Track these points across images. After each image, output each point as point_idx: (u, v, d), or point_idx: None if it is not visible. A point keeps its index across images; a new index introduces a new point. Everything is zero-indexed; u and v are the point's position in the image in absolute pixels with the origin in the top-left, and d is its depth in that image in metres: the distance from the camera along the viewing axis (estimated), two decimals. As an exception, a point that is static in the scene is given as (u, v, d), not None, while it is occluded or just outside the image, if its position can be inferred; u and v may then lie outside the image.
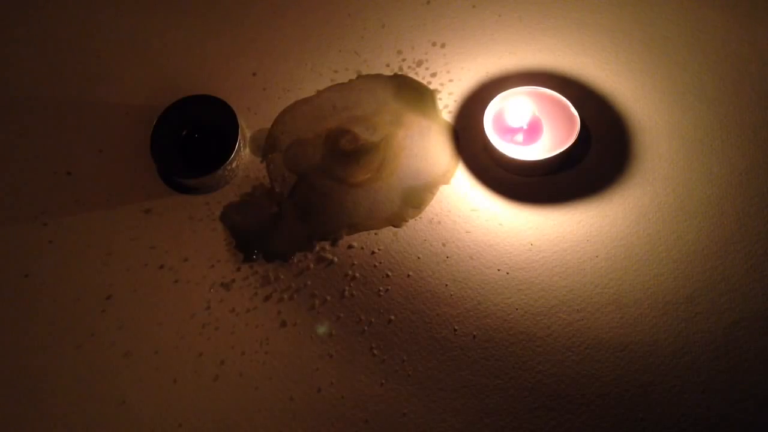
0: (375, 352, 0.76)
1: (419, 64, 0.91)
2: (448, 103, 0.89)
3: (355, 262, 0.80)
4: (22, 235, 0.84)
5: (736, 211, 0.79)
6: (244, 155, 0.87)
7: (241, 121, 0.87)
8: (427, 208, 0.83)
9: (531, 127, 0.83)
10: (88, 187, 0.86)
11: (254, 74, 0.92)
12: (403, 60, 0.91)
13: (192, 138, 0.87)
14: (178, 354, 0.77)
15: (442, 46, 0.92)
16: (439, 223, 0.82)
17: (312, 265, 0.80)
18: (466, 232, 0.81)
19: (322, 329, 0.77)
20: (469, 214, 0.82)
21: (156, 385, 0.75)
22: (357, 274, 0.80)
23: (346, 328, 0.77)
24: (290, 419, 0.73)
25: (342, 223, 0.82)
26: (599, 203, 0.81)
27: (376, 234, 0.82)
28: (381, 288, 0.79)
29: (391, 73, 0.91)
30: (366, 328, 0.77)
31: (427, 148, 0.86)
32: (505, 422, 0.71)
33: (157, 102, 0.89)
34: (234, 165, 0.84)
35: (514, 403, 0.72)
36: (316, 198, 0.84)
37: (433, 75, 0.90)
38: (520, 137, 0.83)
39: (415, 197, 0.83)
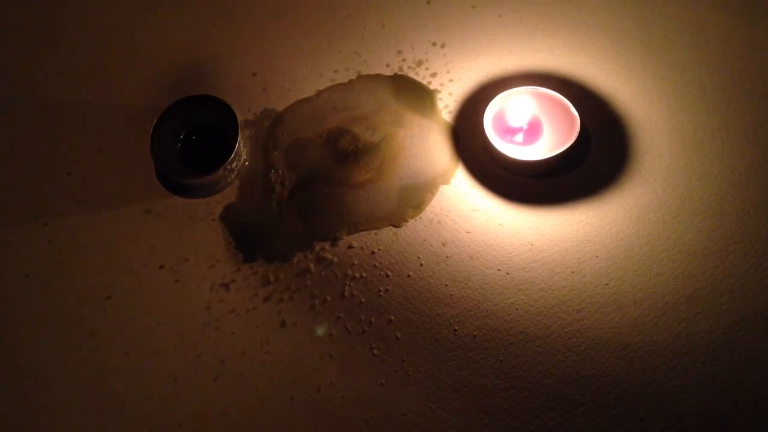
0: (375, 352, 0.76)
1: (419, 64, 0.91)
2: (448, 103, 0.89)
3: (355, 262, 0.80)
4: (22, 235, 0.84)
5: (736, 211, 0.79)
6: (244, 155, 0.87)
7: (241, 121, 0.87)
8: (427, 208, 0.83)
9: (531, 127, 0.83)
10: (88, 187, 0.86)
11: (254, 74, 0.92)
12: (403, 60, 0.91)
13: (192, 138, 0.87)
14: (178, 354, 0.77)
15: (442, 46, 0.92)
16: (439, 223, 0.82)
17: (312, 265, 0.80)
18: (466, 232, 0.81)
19: (321, 329, 0.77)
20: (469, 214, 0.82)
21: (156, 385, 0.75)
22: (357, 274, 0.80)
23: (346, 328, 0.77)
24: (290, 419, 0.73)
25: (342, 223, 0.82)
26: (599, 203, 0.81)
27: (376, 234, 0.82)
28: (381, 288, 0.79)
29: (391, 73, 0.91)
30: (366, 328, 0.77)
31: (427, 148, 0.86)
32: (505, 422, 0.71)
33: (157, 102, 0.89)
34: (234, 165, 0.84)
35: (514, 403, 0.72)
36: (316, 198, 0.84)
37: (433, 75, 0.90)
38: (520, 137, 0.83)
39: (415, 197, 0.83)
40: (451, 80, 0.90)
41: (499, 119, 0.83)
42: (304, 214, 0.83)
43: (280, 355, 0.76)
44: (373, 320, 0.77)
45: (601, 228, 0.80)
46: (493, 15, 0.93)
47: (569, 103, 0.81)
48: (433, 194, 0.83)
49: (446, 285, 0.78)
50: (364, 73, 0.91)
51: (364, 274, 0.80)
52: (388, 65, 0.91)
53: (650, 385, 0.72)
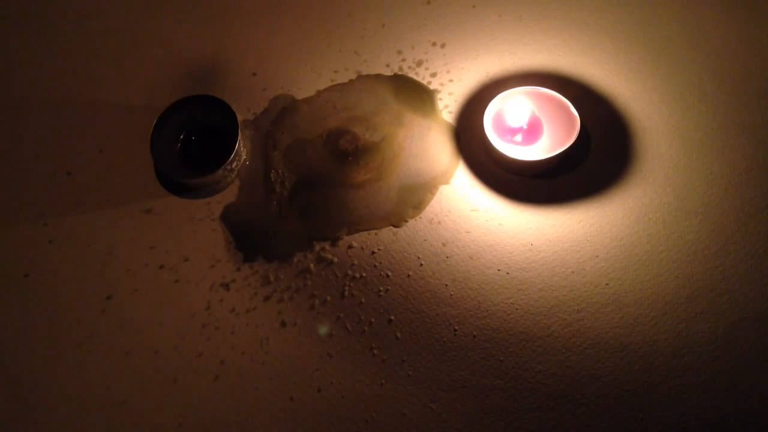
0: (375, 352, 0.76)
1: (419, 64, 0.91)
2: (448, 103, 0.89)
3: (355, 262, 0.80)
4: (22, 235, 0.84)
5: (736, 211, 0.79)
6: (244, 155, 0.87)
7: (241, 121, 0.87)
8: (427, 208, 0.83)
9: (531, 127, 0.83)
10: (88, 187, 0.86)
11: (254, 74, 0.92)
12: (403, 60, 0.91)
13: (192, 138, 0.87)
14: (178, 354, 0.77)
15: (442, 46, 0.92)
16: (439, 223, 0.82)
17: (312, 265, 0.80)
18: (466, 232, 0.81)
19: (322, 329, 0.77)
20: (469, 214, 0.82)
21: (156, 385, 0.75)
22: (357, 274, 0.80)
23: (346, 328, 0.77)
24: (290, 419, 0.73)
25: (342, 223, 0.82)
26: (599, 203, 0.81)
27: (376, 234, 0.82)
28: (381, 288, 0.79)
29: (391, 73, 0.91)
30: (366, 328, 0.77)
31: (427, 148, 0.86)
32: (505, 422, 0.71)
33: (157, 102, 0.89)
34: (234, 165, 0.84)
35: (514, 403, 0.72)
36: (316, 198, 0.84)
37: (433, 75, 0.90)
38: (519, 137, 0.83)
39: (415, 197, 0.83)
40: (451, 80, 0.90)
41: (499, 119, 0.83)
42: (304, 214, 0.83)
43: (280, 355, 0.76)
44: (373, 320, 0.77)
45: (601, 228, 0.80)
46: (493, 15, 0.93)
47: (569, 103, 0.81)
48: (433, 194, 0.83)
49: (446, 285, 0.78)
50: (364, 73, 0.91)
51: (364, 274, 0.80)
52: (388, 65, 0.91)
53: (650, 385, 0.72)
